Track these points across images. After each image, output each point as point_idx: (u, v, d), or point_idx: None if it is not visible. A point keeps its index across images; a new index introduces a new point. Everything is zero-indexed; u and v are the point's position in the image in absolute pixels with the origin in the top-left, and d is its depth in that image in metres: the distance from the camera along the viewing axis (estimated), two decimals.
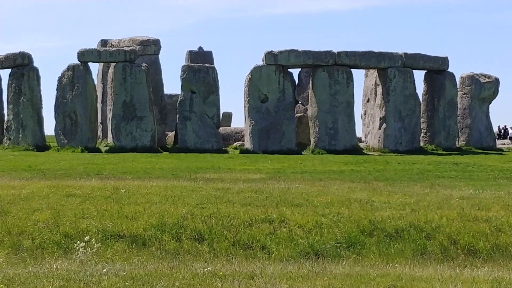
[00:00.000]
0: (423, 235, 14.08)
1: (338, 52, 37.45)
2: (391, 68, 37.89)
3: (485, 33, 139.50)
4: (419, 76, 39.79)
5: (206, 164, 27.49)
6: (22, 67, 38.37)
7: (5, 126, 39.02)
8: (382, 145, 37.67)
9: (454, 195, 17.71)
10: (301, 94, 39.89)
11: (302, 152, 36.18)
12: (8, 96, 38.71)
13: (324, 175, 23.77)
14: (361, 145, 39.21)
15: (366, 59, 37.79)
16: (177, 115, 37.41)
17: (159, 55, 42.74)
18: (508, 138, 54.04)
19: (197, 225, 14.22)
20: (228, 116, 52.51)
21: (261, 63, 37.34)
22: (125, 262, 11.96)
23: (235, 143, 39.71)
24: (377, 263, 12.68)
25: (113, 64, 37.68)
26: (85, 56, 37.39)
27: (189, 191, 17.53)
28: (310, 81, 37.75)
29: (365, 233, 14.12)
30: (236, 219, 14.60)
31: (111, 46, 41.67)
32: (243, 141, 38.53)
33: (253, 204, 15.95)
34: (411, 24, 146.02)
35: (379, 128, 38.13)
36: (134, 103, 36.78)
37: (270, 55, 37.00)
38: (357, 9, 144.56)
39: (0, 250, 13.03)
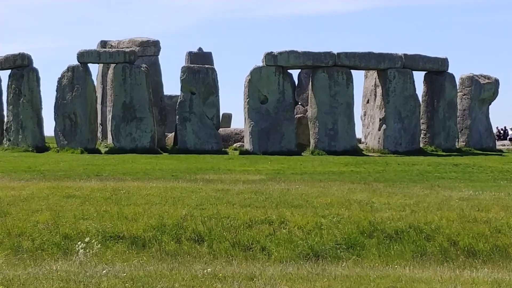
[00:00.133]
0: (423, 236, 14.08)
1: (338, 53, 37.45)
2: (390, 69, 37.90)
3: (485, 34, 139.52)
4: (419, 77, 39.83)
5: (206, 165, 27.49)
6: (21, 68, 38.35)
7: (4, 127, 38.99)
8: (382, 146, 37.67)
9: (454, 196, 17.71)
10: (300, 95, 39.88)
11: (302, 153, 36.17)
12: (7, 97, 38.69)
13: (324, 176, 23.76)
14: (361, 146, 39.20)
15: (365, 60, 37.79)
16: (177, 116, 37.40)
17: (159, 56, 42.73)
18: (508, 139, 54.04)
19: (197, 226, 14.23)
20: (227, 117, 52.49)
21: (260, 64, 37.33)
22: (125, 263, 11.96)
23: (234, 144, 39.69)
24: (376, 264, 12.68)
25: (112, 65, 37.67)
26: (84, 57, 37.39)
27: (189, 192, 17.53)
28: (310, 82, 37.75)
29: (365, 234, 14.12)
30: (235, 220, 14.60)
31: (110, 47, 41.66)
32: (243, 142, 38.53)
33: (252, 205, 15.95)
34: (411, 25, 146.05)
35: (379, 129, 38.13)
36: (134, 104, 36.78)
37: (269, 56, 37.00)
38: (356, 10, 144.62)
39: (0, 251, 13.02)
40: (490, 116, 41.81)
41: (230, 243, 13.65)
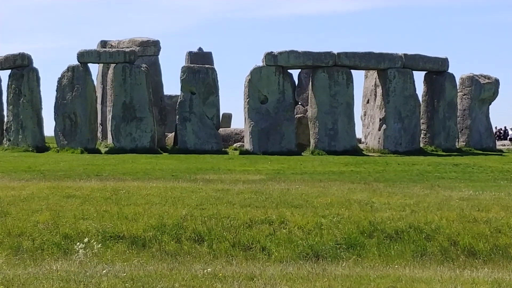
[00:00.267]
0: (423, 236, 14.07)
1: (338, 53, 37.46)
2: (391, 69, 37.90)
3: (485, 34, 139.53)
4: (419, 77, 39.84)
5: (206, 165, 27.49)
6: (21, 68, 38.37)
7: (4, 127, 39.01)
8: (382, 146, 37.68)
9: (454, 196, 17.71)
10: (301, 95, 39.89)
11: (302, 153, 36.18)
12: (7, 97, 38.71)
13: (324, 176, 23.76)
14: (361, 146, 39.21)
15: (366, 60, 37.80)
16: (177, 116, 37.41)
17: (159, 56, 42.74)
18: (508, 139, 54.05)
19: (197, 226, 14.22)
20: (227, 117, 52.50)
21: (260, 64, 37.34)
22: (125, 263, 11.97)
23: (234, 144, 39.70)
24: (377, 264, 12.68)
25: (112, 65, 37.68)
26: (84, 57, 37.40)
27: (189, 192, 17.53)
28: (310, 82, 37.75)
29: (365, 234, 14.12)
30: (236, 220, 14.60)
31: (110, 47, 41.67)
32: (243, 142, 38.54)
33: (253, 205, 15.95)
34: (411, 25, 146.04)
35: (379, 129, 38.14)
36: (134, 104, 36.79)
37: (269, 56, 37.01)
38: (357, 10, 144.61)
39: (0, 251, 13.02)
40: (490, 116, 41.86)
41: (230, 243, 13.65)
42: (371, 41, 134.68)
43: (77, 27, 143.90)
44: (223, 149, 37.28)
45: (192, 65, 40.05)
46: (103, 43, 43.53)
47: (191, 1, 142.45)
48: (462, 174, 25.27)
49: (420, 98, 39.24)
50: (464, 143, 40.50)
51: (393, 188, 19.63)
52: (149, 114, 36.90)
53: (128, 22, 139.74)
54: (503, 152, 40.54)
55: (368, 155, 35.70)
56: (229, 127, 47.73)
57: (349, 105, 37.42)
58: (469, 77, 41.27)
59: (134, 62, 37.45)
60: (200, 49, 49.82)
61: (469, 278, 10.79)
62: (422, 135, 39.24)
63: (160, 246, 13.52)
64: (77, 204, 15.86)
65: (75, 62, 37.38)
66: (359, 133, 40.85)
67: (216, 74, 37.88)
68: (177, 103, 37.64)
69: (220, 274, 10.49)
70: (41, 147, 37.69)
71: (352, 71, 37.86)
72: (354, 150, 36.64)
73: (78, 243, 12.76)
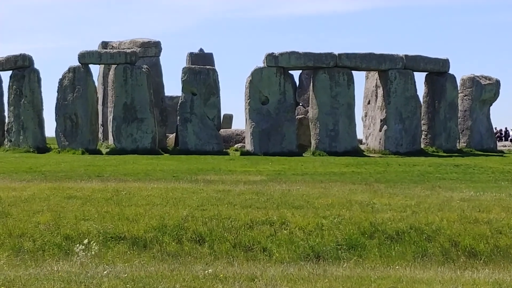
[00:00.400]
0: (424, 237, 14.07)
1: (339, 54, 37.47)
2: (392, 70, 37.91)
3: (486, 34, 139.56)
4: (420, 78, 39.85)
5: (207, 166, 27.49)
6: (22, 69, 38.39)
7: (5, 128, 39.04)
8: (383, 147, 37.68)
9: (455, 197, 17.71)
10: (301, 96, 39.90)
11: (303, 154, 36.18)
12: (8, 98, 38.73)
13: (325, 177, 23.76)
14: (362, 147, 39.22)
15: (367, 61, 37.81)
16: (178, 117, 37.42)
17: (160, 57, 42.74)
18: (509, 140, 54.07)
19: (198, 227, 14.23)
20: (228, 118, 52.52)
21: (261, 65, 37.35)
22: (126, 264, 11.98)
23: (235, 145, 39.72)
24: (377, 265, 12.68)
25: (113, 66, 37.70)
26: (85, 58, 37.41)
27: (190, 193, 17.53)
28: (311, 83, 37.77)
29: (366, 235, 14.12)
30: (236, 221, 14.60)
31: (111, 48, 41.69)
32: (244, 143, 38.55)
33: (253, 206, 15.96)
34: (412, 26, 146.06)
35: (380, 130, 38.14)
36: (135, 105, 36.80)
37: (270, 57, 37.02)
38: (357, 11, 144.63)
39: (1, 252, 13.03)
40: (491, 117, 41.87)
41: (231, 244, 13.65)
42: (372, 42, 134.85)
43: (78, 28, 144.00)
44: (224, 150, 37.29)
45: (193, 66, 40.07)
46: (104, 44, 43.55)
47: (192, 2, 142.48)
48: (463, 175, 25.27)
49: (421, 99, 39.25)
50: (465, 144, 40.51)
51: (394, 189, 19.63)
52: (150, 115, 36.91)
53: (129, 23, 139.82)
54: (504, 153, 40.54)
55: (369, 156, 35.70)
56: (230, 128, 47.75)
57: (350, 106, 37.42)
58: (470, 78, 41.28)
59: (135, 63, 37.46)
60: (201, 50, 49.83)
61: (470, 279, 10.80)
62: (423, 136, 39.24)
63: (161, 247, 13.53)
64: (78, 205, 15.87)
65: (76, 63, 37.41)
66: (360, 134, 40.90)
67: (217, 75, 37.90)
68: (178, 104, 37.65)
69: (221, 275, 10.50)
70: (42, 148, 37.70)
71: (353, 72, 37.86)
72: (355, 151, 36.64)
73: (77, 245, 12.77)
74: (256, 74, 36.97)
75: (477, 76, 41.48)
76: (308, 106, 38.55)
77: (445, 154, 37.12)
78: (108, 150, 36.99)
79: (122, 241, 13.70)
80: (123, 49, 39.87)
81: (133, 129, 36.60)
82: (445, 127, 39.08)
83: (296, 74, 38.88)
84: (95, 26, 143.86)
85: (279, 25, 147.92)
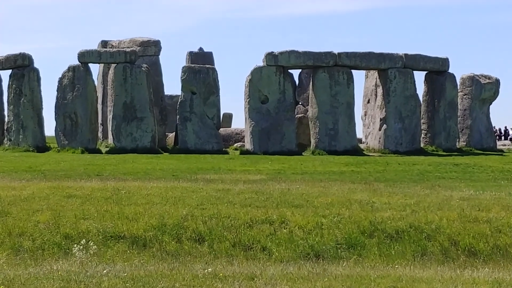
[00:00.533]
0: (424, 236, 14.07)
1: (338, 53, 37.47)
2: (391, 69, 37.91)
3: (485, 34, 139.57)
4: (419, 77, 39.87)
5: (207, 165, 27.49)
6: (22, 68, 38.39)
7: (5, 127, 39.03)
8: (383, 146, 37.68)
9: (455, 196, 17.71)
10: (301, 95, 39.90)
11: (303, 153, 36.19)
12: (8, 97, 38.72)
13: (325, 176, 23.76)
14: (362, 146, 39.22)
15: (366, 60, 37.81)
16: (178, 116, 37.42)
17: (160, 56, 42.76)
18: (508, 139, 54.07)
19: (197, 226, 14.22)
20: (228, 117, 52.51)
21: (261, 64, 37.35)
22: (126, 263, 11.97)
23: (235, 144, 39.72)
24: (377, 264, 12.68)
25: (113, 65, 37.70)
26: (85, 57, 37.41)
27: (190, 192, 17.53)
28: (311, 82, 37.76)
29: (366, 234, 14.12)
30: (236, 220, 14.59)
31: (111, 47, 41.69)
32: (244, 142, 38.55)
33: (253, 205, 15.95)
34: (412, 25, 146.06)
35: (380, 129, 38.14)
36: (135, 104, 36.80)
37: (270, 56, 37.01)
38: (357, 10, 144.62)
39: (0, 251, 13.02)
40: (491, 116, 41.86)
41: (231, 243, 13.64)
42: (372, 41, 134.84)
43: (78, 27, 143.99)
44: (223, 149, 37.29)
45: (192, 65, 40.07)
46: (104, 43, 43.55)
47: (191, 1, 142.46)
48: (462, 174, 25.27)
49: (421, 98, 39.25)
50: (465, 143, 40.50)
51: (393, 188, 19.63)
52: (149, 114, 36.91)
53: (128, 22, 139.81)
54: (504, 152, 40.54)
55: (368, 155, 35.70)
56: (230, 127, 47.74)
57: (350, 105, 37.42)
58: (469, 77, 41.27)
59: (135, 62, 37.46)
60: (200, 49, 49.82)
61: (470, 278, 10.80)
62: (422, 135, 39.24)
63: (160, 246, 13.52)
64: (77, 204, 15.86)
65: (75, 62, 37.42)
66: (359, 133, 40.92)
67: (217, 74, 37.90)
68: (178, 103, 37.65)
69: (221, 274, 10.49)
70: (41, 147, 37.70)
71: (353, 71, 37.87)
72: (355, 150, 36.64)
73: (75, 245, 12.76)
74: (256, 73, 36.97)
75: (477, 75, 41.47)
76: (307, 105, 38.55)
77: (444, 153, 37.13)
78: (107, 149, 36.98)
79: (122, 240, 13.69)
80: (123, 48, 39.88)
81: (132, 128, 36.60)
82: (444, 126, 39.08)
83: (295, 73, 38.93)
84: (95, 25, 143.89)
85: (279, 24, 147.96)
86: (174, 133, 40.00)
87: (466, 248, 13.73)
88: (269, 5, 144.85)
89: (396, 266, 12.31)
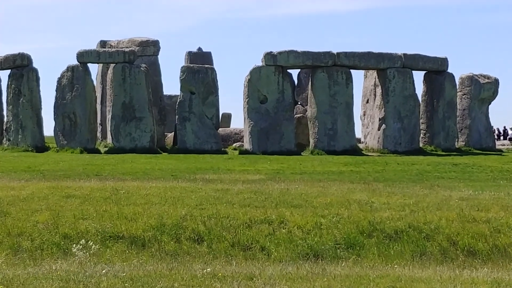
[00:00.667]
0: (423, 236, 14.07)
1: (337, 53, 37.46)
2: (390, 68, 37.90)
3: (484, 33, 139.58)
4: (418, 76, 39.84)
5: (206, 165, 27.48)
6: (21, 68, 38.36)
7: (4, 127, 39.01)
8: (382, 146, 37.67)
9: (454, 196, 17.71)
10: (300, 94, 39.88)
11: (302, 153, 36.18)
12: (7, 97, 38.70)
13: (324, 176, 23.76)
14: (360, 146, 39.20)
15: (365, 60, 37.80)
16: (176, 116, 37.41)
17: (158, 56, 42.72)
18: (507, 139, 54.07)
19: (196, 226, 14.22)
20: (227, 117, 52.50)
21: (260, 63, 37.34)
22: (125, 263, 11.97)
23: (234, 144, 39.70)
24: (376, 264, 12.68)
25: (112, 65, 37.67)
26: (84, 57, 37.40)
27: (189, 192, 17.52)
28: (310, 82, 37.75)
29: (365, 234, 14.12)
30: (235, 220, 14.59)
31: (110, 47, 41.65)
32: (243, 142, 38.53)
33: (252, 205, 15.95)
34: (411, 25, 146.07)
35: (379, 129, 38.13)
36: (133, 104, 36.78)
37: (269, 56, 37.00)
38: (356, 10, 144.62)
39: None
40: (490, 116, 41.86)
41: (230, 243, 13.65)
42: (371, 41, 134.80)
43: (77, 27, 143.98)
44: (222, 149, 37.28)
45: (191, 65, 40.04)
46: (103, 43, 43.52)
47: (190, 1, 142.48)
48: (461, 174, 25.27)
49: (420, 98, 39.24)
50: (464, 143, 40.49)
51: (392, 188, 19.63)
52: (148, 114, 36.90)
53: (127, 22, 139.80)
54: (503, 151, 40.54)
55: (367, 155, 35.69)
56: (229, 127, 47.73)
57: (349, 105, 37.42)
58: (468, 76, 41.27)
59: (134, 62, 37.44)
60: (199, 49, 49.80)
61: (469, 278, 10.80)
62: (421, 135, 39.23)
63: (159, 246, 13.52)
64: (76, 204, 15.86)
65: (74, 62, 37.39)
66: (358, 133, 40.90)
67: (216, 74, 37.88)
68: (177, 103, 37.63)
69: (220, 274, 10.49)
70: (40, 147, 37.68)
71: (352, 70, 37.86)
72: (354, 150, 36.63)
73: (74, 245, 12.76)
74: (255, 73, 36.96)
75: (476, 75, 41.47)
76: (306, 105, 38.54)
77: (443, 153, 37.12)
78: (106, 149, 36.96)
79: (121, 240, 13.69)
80: (122, 48, 39.86)
81: (131, 128, 36.58)
82: (443, 126, 39.08)
83: (294, 73, 38.92)
84: (94, 25, 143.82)
85: (278, 24, 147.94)
86: (173, 133, 39.98)
87: (465, 248, 13.74)
88: (268, 5, 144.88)
89: (395, 266, 12.31)
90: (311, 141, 37.09)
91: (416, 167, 27.63)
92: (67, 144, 36.64)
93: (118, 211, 15.06)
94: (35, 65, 38.73)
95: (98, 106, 40.22)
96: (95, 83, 39.65)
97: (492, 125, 42.74)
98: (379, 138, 38.01)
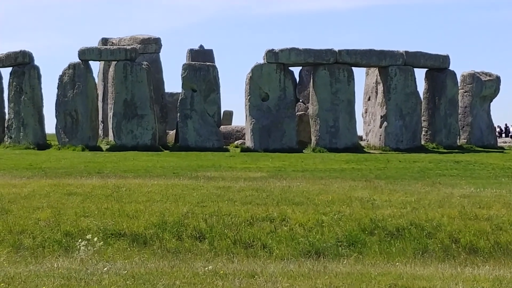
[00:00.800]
0: (424, 233, 14.06)
1: (339, 50, 37.45)
2: (392, 66, 37.89)
3: (486, 31, 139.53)
4: (420, 74, 39.87)
5: (207, 163, 27.48)
6: (23, 65, 38.40)
7: (6, 125, 39.05)
8: (383, 143, 37.67)
9: (455, 193, 17.69)
10: (302, 92, 39.88)
11: (303, 151, 36.18)
12: (9, 94, 38.74)
13: (325, 173, 23.75)
14: (362, 143, 39.22)
15: (367, 57, 37.78)
16: (178, 114, 37.42)
17: (160, 54, 42.74)
18: (509, 136, 54.06)
19: (198, 223, 14.22)
20: (229, 115, 52.51)
21: (262, 61, 37.34)
22: (126, 261, 11.96)
23: (236, 142, 39.71)
24: (378, 261, 12.66)
25: (114, 63, 37.69)
26: (86, 55, 37.40)
27: (190, 189, 17.52)
28: (311, 80, 37.75)
29: (366, 232, 14.11)
30: (237, 217, 14.59)
31: (112, 45, 41.67)
32: (244, 139, 38.54)
33: (254, 202, 15.94)
34: (412, 22, 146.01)
35: (380, 127, 38.13)
36: (135, 101, 36.80)
37: (271, 53, 37.00)
38: (358, 7, 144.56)
39: (1, 249, 13.02)
40: (492, 113, 41.86)
41: (231, 241, 13.64)
42: (372, 38, 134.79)
43: (78, 25, 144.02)
44: (224, 146, 37.30)
45: (193, 62, 40.06)
46: (104, 41, 43.54)
47: None
48: (463, 171, 25.26)
49: (421, 95, 39.24)
50: (465, 140, 40.49)
51: (394, 185, 19.62)
52: (150, 111, 36.90)
53: (129, 19, 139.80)
54: (504, 149, 40.53)
55: (369, 153, 35.69)
56: (230, 124, 47.75)
57: (350, 102, 37.41)
58: (470, 74, 41.26)
59: (135, 59, 37.45)
60: (201, 46, 49.80)
61: (470, 275, 10.78)
62: (423, 132, 39.23)
63: (161, 243, 13.51)
64: (78, 202, 15.86)
65: (76, 59, 37.43)
66: (360, 131, 40.89)
67: (217, 72, 37.89)
68: (178, 101, 37.65)
69: (221, 272, 10.48)
70: (42, 144, 37.72)
71: (353, 68, 37.86)
72: (355, 147, 36.63)
73: (80, 240, 12.76)
74: (256, 71, 36.95)
75: (477, 73, 41.47)
76: (308, 103, 38.54)
77: (445, 151, 37.11)
78: (108, 146, 36.99)
79: (122, 237, 13.69)
80: (123, 45, 39.88)
81: (133, 126, 36.59)
82: (445, 123, 39.07)
83: (296, 70, 38.94)
84: (95, 23, 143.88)
85: (279, 22, 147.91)
86: (174, 130, 40.00)
87: (467, 245, 13.72)
88: (270, 2, 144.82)
89: (397, 263, 12.30)
90: (313, 138, 37.09)
91: (417, 164, 27.62)
92: (68, 141, 36.67)
93: (120, 208, 15.06)
94: (36, 62, 38.87)
95: (100, 104, 40.24)
96: (96, 80, 39.67)
97: (493, 122, 42.76)
98: (380, 135, 38.00)
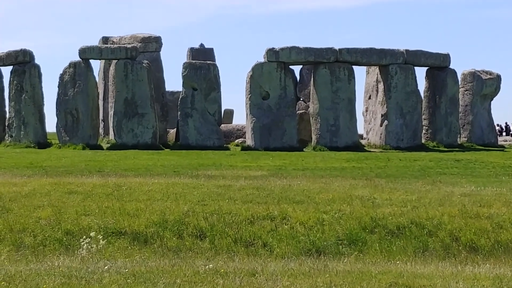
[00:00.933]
0: (425, 232, 14.06)
1: (339, 49, 37.45)
2: (392, 65, 37.89)
3: (486, 29, 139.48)
4: (420, 72, 39.85)
5: (208, 161, 27.49)
6: (23, 64, 38.41)
7: (6, 123, 39.08)
8: (384, 142, 37.68)
9: (456, 192, 17.69)
10: (302, 91, 39.88)
11: (304, 149, 36.19)
12: (9, 93, 38.77)
13: (326, 172, 23.75)
14: (363, 142, 39.22)
15: (367, 56, 37.78)
16: (179, 112, 37.44)
17: (161, 52, 42.77)
18: (510, 134, 54.06)
19: (198, 222, 14.22)
20: (229, 113, 52.52)
21: (262, 60, 37.34)
22: (127, 259, 11.97)
23: (236, 140, 39.73)
24: (378, 260, 12.67)
25: (114, 61, 37.70)
26: (86, 53, 37.41)
27: (191, 188, 17.53)
28: (312, 78, 37.76)
29: (367, 230, 14.11)
30: (237, 216, 14.59)
31: (112, 43, 41.68)
32: (245, 138, 38.55)
33: (254, 201, 15.94)
34: (413, 20, 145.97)
35: (381, 125, 38.13)
36: (136, 100, 36.80)
37: (271, 52, 37.00)
38: (358, 6, 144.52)
39: (2, 247, 13.04)
40: (492, 112, 41.86)
41: (232, 239, 13.64)
42: (373, 37, 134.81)
43: (79, 24, 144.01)
44: (224, 145, 37.31)
45: (193, 61, 40.07)
46: (105, 39, 43.55)
47: None
48: (463, 170, 25.26)
49: (422, 94, 39.24)
50: (466, 139, 40.50)
51: (394, 184, 19.62)
52: (150, 110, 36.91)
53: (129, 18, 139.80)
54: (505, 147, 40.53)
55: (369, 151, 35.69)
56: (231, 123, 47.76)
57: (351, 101, 37.41)
58: (471, 72, 41.26)
59: (136, 58, 37.45)
60: (201, 45, 49.82)
61: (471, 274, 10.79)
62: (423, 131, 39.23)
63: (162, 242, 13.52)
64: (79, 200, 15.87)
65: (76, 58, 37.43)
66: (360, 129, 40.91)
67: (218, 70, 37.90)
68: (179, 99, 37.66)
69: (222, 270, 10.49)
70: (43, 143, 37.74)
71: (354, 67, 37.86)
72: (356, 146, 36.64)
73: (84, 237, 12.77)
74: (257, 69, 36.96)
75: (478, 71, 41.46)
76: (308, 101, 38.54)
77: (446, 149, 37.12)
78: (108, 145, 37.00)
79: (123, 236, 13.69)
80: (124, 44, 39.87)
81: (134, 124, 36.60)
82: (446, 122, 39.08)
83: (296, 69, 38.96)
84: (96, 22, 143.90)
85: (280, 21, 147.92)
86: (175, 129, 40.01)
87: (467, 244, 13.72)
88: (270, 1, 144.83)
89: (397, 262, 12.30)
90: (313, 137, 37.10)
91: (418, 163, 27.62)
92: (69, 140, 36.68)
93: (120, 207, 15.07)
94: (37, 61, 38.90)
95: (100, 102, 40.27)
96: (97, 79, 39.68)
97: (494, 121, 42.77)
98: (381, 134, 38.01)
